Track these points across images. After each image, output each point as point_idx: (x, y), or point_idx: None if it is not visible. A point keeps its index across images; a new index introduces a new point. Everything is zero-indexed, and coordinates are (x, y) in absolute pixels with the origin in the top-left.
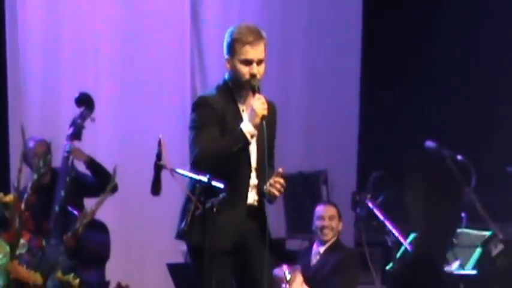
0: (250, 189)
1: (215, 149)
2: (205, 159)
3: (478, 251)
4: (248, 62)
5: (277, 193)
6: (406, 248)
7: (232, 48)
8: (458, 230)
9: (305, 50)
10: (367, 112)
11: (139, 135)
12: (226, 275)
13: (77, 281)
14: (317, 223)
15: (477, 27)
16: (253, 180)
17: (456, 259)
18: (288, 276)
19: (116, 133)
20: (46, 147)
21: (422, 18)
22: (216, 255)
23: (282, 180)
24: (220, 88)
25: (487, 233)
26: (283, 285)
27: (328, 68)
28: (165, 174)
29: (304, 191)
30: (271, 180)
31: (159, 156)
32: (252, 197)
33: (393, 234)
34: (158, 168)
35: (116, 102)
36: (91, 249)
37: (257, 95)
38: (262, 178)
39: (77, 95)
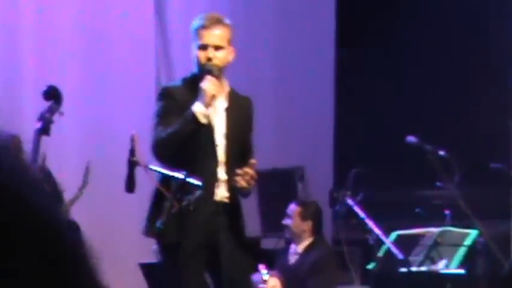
0: (218, 184)
1: (168, 133)
2: (160, 145)
3: (463, 249)
4: (204, 47)
5: (245, 184)
6: (388, 247)
7: (193, 36)
8: (442, 229)
9: (276, 43)
10: (343, 106)
11: (106, 131)
12: (199, 272)
13: None
14: None
15: (450, 22)
16: (222, 175)
17: (441, 258)
18: (266, 276)
19: (81, 128)
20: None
21: (400, 11)
22: (189, 252)
23: (251, 171)
24: (186, 80)
25: (471, 231)
26: (261, 286)
27: (302, 62)
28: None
29: (280, 188)
30: (240, 171)
31: (132, 152)
32: (222, 193)
33: (374, 232)
34: (132, 164)
35: (80, 95)
36: None
37: (208, 76)
38: (232, 173)
39: (44, 88)
